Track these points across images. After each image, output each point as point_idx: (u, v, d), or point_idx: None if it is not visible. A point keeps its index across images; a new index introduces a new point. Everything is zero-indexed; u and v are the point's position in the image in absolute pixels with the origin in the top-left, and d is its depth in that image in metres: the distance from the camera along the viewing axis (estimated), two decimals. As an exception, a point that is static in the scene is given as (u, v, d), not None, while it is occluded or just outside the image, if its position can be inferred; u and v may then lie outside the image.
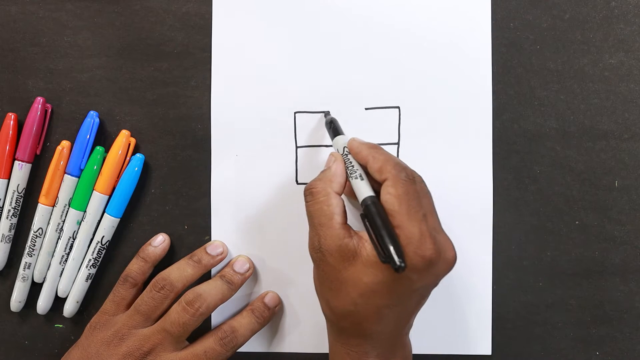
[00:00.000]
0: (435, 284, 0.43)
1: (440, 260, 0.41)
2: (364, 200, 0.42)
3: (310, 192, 0.44)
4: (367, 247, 0.41)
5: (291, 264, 0.52)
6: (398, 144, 0.51)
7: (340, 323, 0.43)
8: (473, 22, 0.50)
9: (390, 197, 0.41)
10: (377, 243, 0.40)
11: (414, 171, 0.43)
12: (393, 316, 0.42)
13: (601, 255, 0.51)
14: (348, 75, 0.51)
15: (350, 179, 0.44)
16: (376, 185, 0.43)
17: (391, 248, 0.39)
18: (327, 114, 0.51)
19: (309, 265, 0.51)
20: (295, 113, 0.51)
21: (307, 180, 0.51)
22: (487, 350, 0.51)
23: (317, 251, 0.43)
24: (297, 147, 0.51)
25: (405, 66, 0.51)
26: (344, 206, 0.43)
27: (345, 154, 0.45)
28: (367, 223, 0.41)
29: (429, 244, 0.40)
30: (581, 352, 0.51)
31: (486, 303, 0.51)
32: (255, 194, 0.52)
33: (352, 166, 0.44)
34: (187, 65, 0.52)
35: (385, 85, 0.51)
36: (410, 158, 0.51)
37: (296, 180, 0.51)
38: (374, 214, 0.41)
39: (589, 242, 0.51)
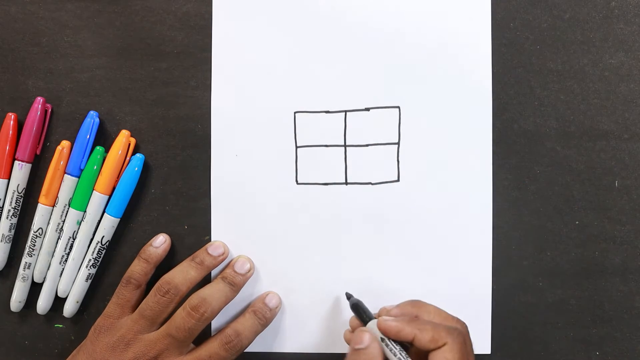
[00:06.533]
0: None
1: None
2: None
3: None
4: None
5: (291, 263, 0.52)
6: (398, 144, 0.51)
7: None
8: (473, 22, 0.50)
9: None
10: None
11: (460, 321, 0.45)
12: None
13: (601, 255, 0.51)
14: (348, 75, 0.51)
15: None
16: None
17: None
18: (349, 296, 0.49)
19: (309, 264, 0.51)
20: (295, 113, 0.51)
21: (307, 180, 0.51)
22: (486, 349, 0.51)
23: None
24: (297, 147, 0.51)
25: (405, 66, 0.51)
26: None
27: (382, 339, 0.43)
28: None
29: None
30: (581, 352, 0.51)
31: (486, 303, 0.51)
32: (255, 194, 0.52)
33: (391, 349, 0.43)
34: (187, 65, 0.52)
35: (385, 85, 0.51)
36: (410, 158, 0.51)
37: (296, 180, 0.51)
38: None
39: (589, 242, 0.51)
